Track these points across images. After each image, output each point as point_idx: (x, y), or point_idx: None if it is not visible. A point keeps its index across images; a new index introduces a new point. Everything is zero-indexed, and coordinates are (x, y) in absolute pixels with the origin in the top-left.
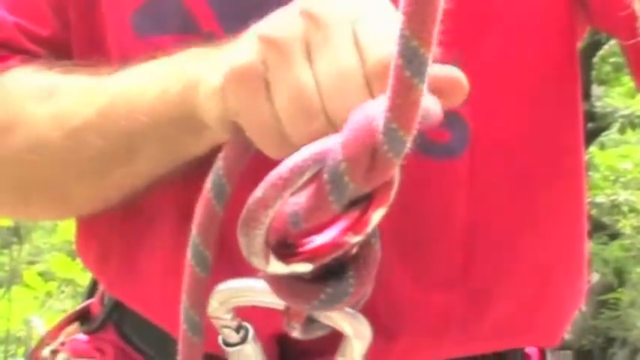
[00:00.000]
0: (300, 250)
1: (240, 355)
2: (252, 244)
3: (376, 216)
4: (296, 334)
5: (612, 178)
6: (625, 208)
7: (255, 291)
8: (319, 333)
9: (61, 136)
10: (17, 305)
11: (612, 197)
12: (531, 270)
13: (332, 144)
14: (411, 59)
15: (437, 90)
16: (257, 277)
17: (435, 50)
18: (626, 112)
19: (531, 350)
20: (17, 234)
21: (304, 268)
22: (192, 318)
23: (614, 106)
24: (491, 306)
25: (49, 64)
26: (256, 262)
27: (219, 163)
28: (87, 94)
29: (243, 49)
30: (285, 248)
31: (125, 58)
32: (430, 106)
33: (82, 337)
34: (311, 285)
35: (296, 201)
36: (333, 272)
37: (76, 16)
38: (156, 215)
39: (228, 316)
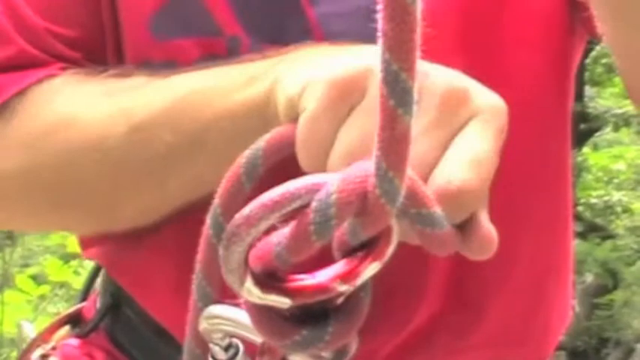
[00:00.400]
0: (285, 285)
1: None
2: (230, 260)
3: (369, 270)
4: None
5: (605, 179)
6: (618, 209)
7: (239, 323)
8: None
9: (126, 130)
10: (10, 308)
11: (605, 198)
12: (526, 279)
13: (330, 178)
14: (393, 86)
15: (467, 244)
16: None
17: (416, 77)
18: (619, 111)
19: None
20: (10, 237)
21: (282, 302)
22: (204, 289)
23: (607, 107)
24: (485, 316)
25: (100, 68)
26: (231, 279)
27: (260, 144)
28: (154, 90)
29: (356, 63)
30: (270, 279)
31: (141, 61)
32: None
33: (74, 341)
34: (289, 324)
35: (282, 232)
36: (314, 317)
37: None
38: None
39: (219, 335)
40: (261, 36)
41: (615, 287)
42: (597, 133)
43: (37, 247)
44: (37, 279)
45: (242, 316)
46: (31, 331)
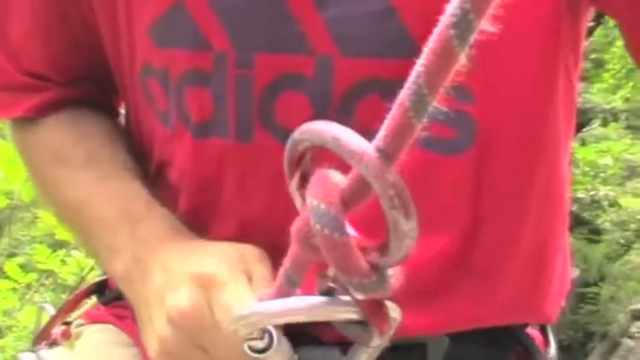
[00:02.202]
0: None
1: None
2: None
3: None
4: (331, 272)
5: (592, 173)
6: (605, 204)
7: (283, 310)
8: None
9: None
10: None
11: (592, 193)
12: (531, 245)
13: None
14: (464, 30)
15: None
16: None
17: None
18: (607, 106)
19: (534, 333)
20: None
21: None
22: (291, 277)
23: (595, 102)
24: (496, 284)
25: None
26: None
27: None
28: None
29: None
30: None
31: (145, 63)
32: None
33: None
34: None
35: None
36: None
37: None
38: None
39: (254, 334)
40: (252, 47)
41: (601, 281)
42: (585, 128)
43: (23, 236)
44: (25, 268)
45: (283, 303)
46: (51, 312)
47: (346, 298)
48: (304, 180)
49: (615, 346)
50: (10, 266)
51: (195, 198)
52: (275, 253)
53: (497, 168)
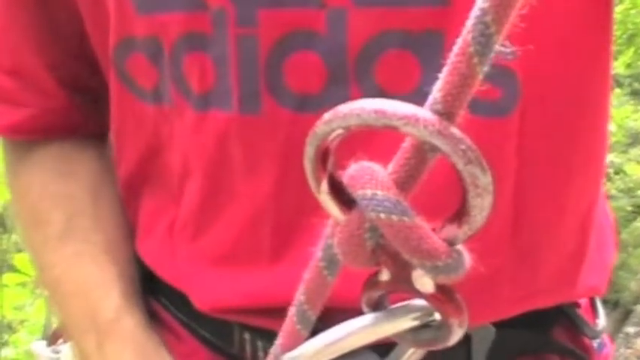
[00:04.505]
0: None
1: None
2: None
3: None
4: (385, 277)
5: None
6: (611, 171)
7: (341, 339)
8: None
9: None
10: (8, 292)
11: None
12: (575, 220)
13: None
14: None
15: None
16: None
17: None
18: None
19: (582, 300)
20: (3, 224)
21: None
22: (304, 313)
23: None
24: (541, 262)
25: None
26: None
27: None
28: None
29: None
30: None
31: (125, 36)
32: None
33: None
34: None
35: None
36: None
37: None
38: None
39: None
40: (254, 2)
41: None
42: None
43: None
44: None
45: (337, 332)
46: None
47: (407, 302)
48: (331, 182)
49: (628, 313)
50: (20, 259)
51: (201, 183)
52: (288, 242)
53: (539, 132)
